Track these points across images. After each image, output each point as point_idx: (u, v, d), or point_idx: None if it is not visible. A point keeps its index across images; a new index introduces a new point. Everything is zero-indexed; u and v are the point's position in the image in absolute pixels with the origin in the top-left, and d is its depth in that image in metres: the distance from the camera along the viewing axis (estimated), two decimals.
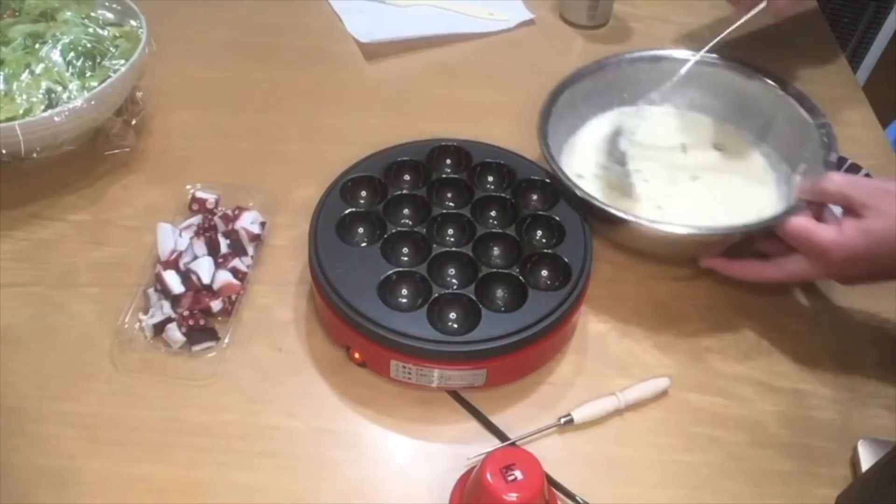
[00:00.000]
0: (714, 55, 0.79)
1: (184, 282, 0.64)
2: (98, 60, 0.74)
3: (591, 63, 0.79)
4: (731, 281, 0.67)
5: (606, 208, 0.65)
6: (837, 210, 0.63)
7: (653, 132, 0.79)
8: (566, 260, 0.63)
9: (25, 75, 0.71)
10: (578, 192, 0.66)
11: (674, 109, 0.81)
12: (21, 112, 0.68)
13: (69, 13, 0.77)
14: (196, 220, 0.70)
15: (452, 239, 0.66)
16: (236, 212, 0.71)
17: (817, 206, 0.63)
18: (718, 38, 0.76)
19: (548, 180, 0.70)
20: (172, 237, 0.67)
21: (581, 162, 0.76)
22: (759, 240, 0.66)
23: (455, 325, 0.60)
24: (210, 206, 0.72)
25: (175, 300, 0.63)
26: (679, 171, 0.76)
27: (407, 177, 0.71)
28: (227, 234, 0.69)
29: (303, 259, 0.66)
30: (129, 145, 0.78)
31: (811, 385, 0.63)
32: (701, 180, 0.75)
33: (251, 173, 0.78)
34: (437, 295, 0.60)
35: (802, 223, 0.61)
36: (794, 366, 0.64)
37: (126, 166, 0.78)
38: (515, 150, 0.73)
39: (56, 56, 0.73)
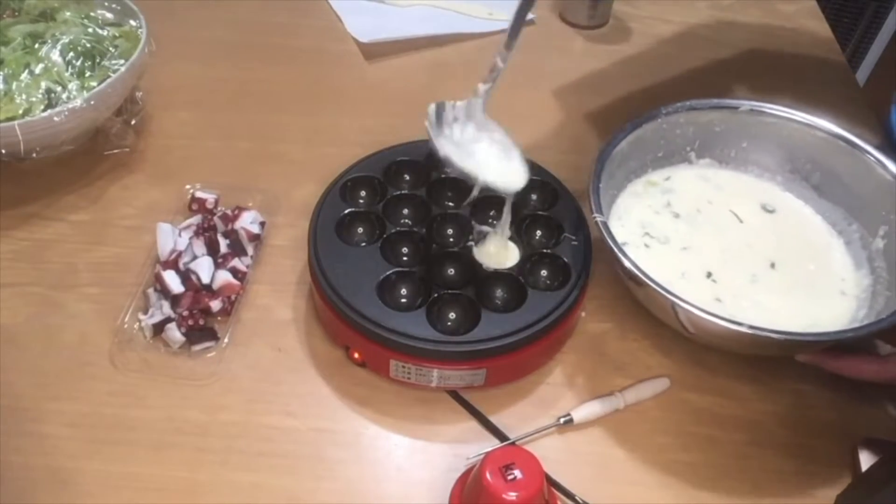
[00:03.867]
0: (750, 101, 0.71)
1: (183, 282, 0.64)
2: (98, 60, 0.74)
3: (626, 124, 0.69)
4: None
5: (701, 314, 0.54)
6: None
7: (688, 195, 0.71)
8: (566, 260, 0.63)
9: (25, 75, 0.71)
10: (666, 294, 0.56)
11: (706, 167, 0.73)
12: (21, 112, 0.68)
13: (69, 13, 0.77)
14: (196, 219, 0.70)
15: (452, 239, 0.66)
16: (236, 212, 0.71)
17: None
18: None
19: (547, 180, 0.70)
20: (172, 237, 0.67)
21: (625, 231, 0.68)
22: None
23: (454, 325, 0.60)
24: (210, 206, 0.72)
25: (175, 300, 0.63)
26: (731, 244, 0.67)
27: (406, 177, 0.71)
28: (226, 234, 0.69)
29: (302, 259, 0.66)
30: (128, 145, 0.78)
31: (811, 385, 0.63)
32: (756, 251, 0.67)
33: (251, 173, 0.78)
34: (436, 295, 0.60)
35: None
36: (794, 366, 0.64)
37: (126, 166, 0.78)
38: None
39: (55, 56, 0.73)
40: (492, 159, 0.62)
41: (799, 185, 0.71)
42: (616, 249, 0.58)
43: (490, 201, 0.68)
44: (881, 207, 0.65)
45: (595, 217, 0.60)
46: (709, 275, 0.64)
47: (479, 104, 0.63)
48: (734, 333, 0.54)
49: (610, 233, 0.59)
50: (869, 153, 0.67)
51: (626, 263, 0.57)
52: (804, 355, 0.59)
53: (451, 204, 0.69)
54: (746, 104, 0.70)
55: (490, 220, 0.67)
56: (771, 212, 0.71)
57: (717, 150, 0.73)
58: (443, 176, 0.70)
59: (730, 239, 0.68)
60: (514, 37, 0.63)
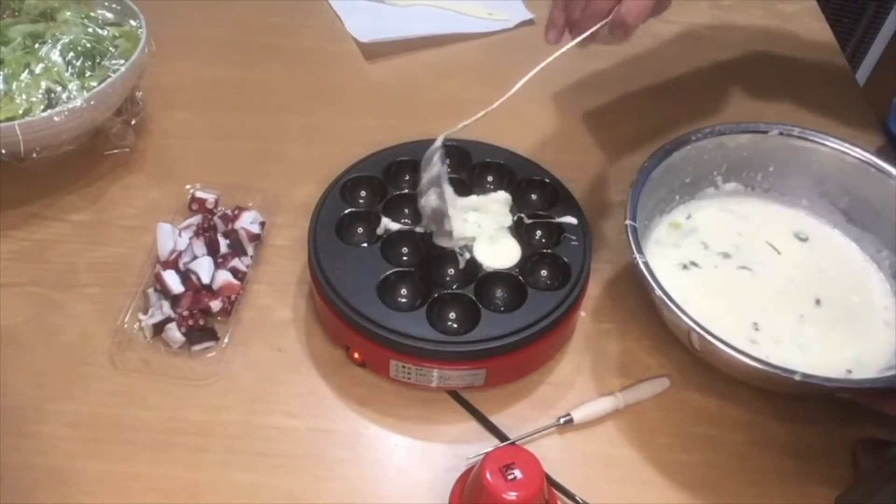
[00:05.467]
0: (779, 125, 0.69)
1: (183, 282, 0.64)
2: (98, 60, 0.74)
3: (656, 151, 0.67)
4: None
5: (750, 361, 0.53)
6: None
7: (715, 231, 0.70)
8: (566, 260, 0.63)
9: (25, 75, 0.71)
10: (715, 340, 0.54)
11: (730, 194, 0.72)
12: (21, 112, 0.68)
13: (69, 13, 0.77)
14: (196, 219, 0.70)
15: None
16: (236, 212, 0.71)
17: None
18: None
19: (547, 180, 0.70)
20: (172, 237, 0.67)
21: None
22: None
23: (454, 325, 0.60)
24: (210, 205, 0.72)
25: (175, 300, 0.63)
26: (773, 280, 0.66)
27: (407, 176, 0.71)
28: (226, 234, 0.69)
29: (302, 259, 0.66)
30: (128, 145, 0.78)
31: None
32: (799, 286, 0.66)
33: (251, 173, 0.78)
34: (436, 295, 0.60)
35: None
36: None
37: (126, 166, 0.78)
38: (515, 150, 0.73)
39: (56, 56, 0.73)
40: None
41: (827, 210, 0.70)
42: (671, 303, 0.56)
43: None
44: None
45: (636, 258, 0.58)
46: (755, 325, 0.62)
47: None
48: (783, 379, 0.53)
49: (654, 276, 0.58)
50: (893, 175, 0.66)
51: (685, 319, 0.55)
52: (854, 397, 0.57)
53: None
54: (776, 128, 0.69)
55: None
56: (804, 240, 0.69)
57: (743, 174, 0.72)
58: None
59: (771, 275, 0.66)
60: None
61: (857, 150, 0.68)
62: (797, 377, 0.52)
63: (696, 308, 0.56)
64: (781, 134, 0.69)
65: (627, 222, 0.60)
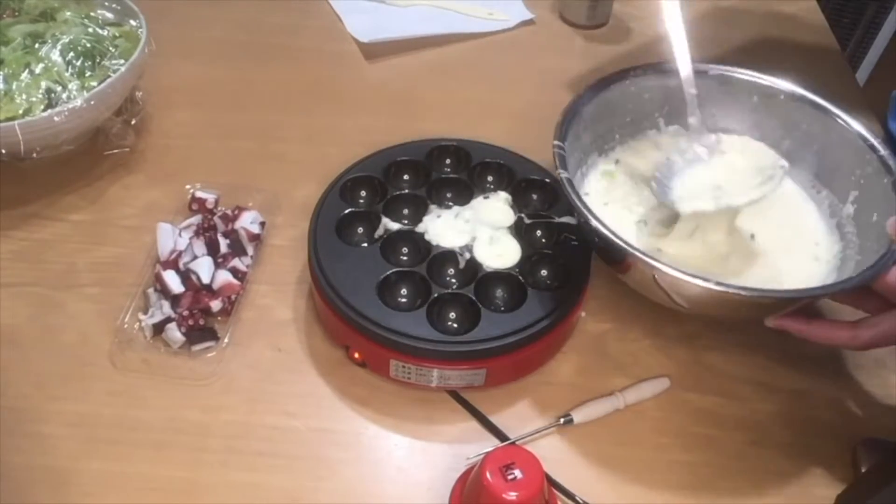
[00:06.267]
0: (719, 66, 0.70)
1: (183, 282, 0.64)
2: (98, 60, 0.74)
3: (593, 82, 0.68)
4: None
5: (671, 272, 0.53)
6: None
7: (643, 166, 0.69)
8: (565, 260, 0.63)
9: (25, 75, 0.71)
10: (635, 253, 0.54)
11: (673, 134, 0.71)
12: (21, 112, 0.68)
13: (69, 13, 0.77)
14: (196, 219, 0.70)
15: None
16: (236, 212, 0.71)
17: None
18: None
19: (547, 180, 0.70)
20: (172, 237, 0.67)
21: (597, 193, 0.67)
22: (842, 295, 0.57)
23: (454, 325, 0.60)
24: (210, 205, 0.72)
25: (175, 300, 0.63)
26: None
27: (406, 176, 0.71)
28: (226, 234, 0.69)
29: (302, 259, 0.66)
30: (128, 145, 0.78)
31: (811, 385, 0.63)
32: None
33: (251, 173, 0.78)
34: (436, 295, 0.60)
35: None
36: (794, 366, 0.64)
37: (126, 166, 0.78)
38: (515, 150, 0.73)
39: (56, 56, 0.73)
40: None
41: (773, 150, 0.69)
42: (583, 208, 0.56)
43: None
44: (851, 172, 0.64)
45: (560, 174, 0.58)
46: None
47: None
48: (703, 291, 0.52)
49: (575, 190, 0.57)
50: (839, 117, 0.65)
51: (594, 223, 0.55)
52: (774, 319, 0.56)
53: (450, 204, 0.69)
54: (715, 69, 0.68)
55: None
56: None
57: (685, 117, 0.67)
58: (443, 176, 0.70)
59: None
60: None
61: (796, 87, 0.68)
62: (712, 286, 0.51)
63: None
64: (722, 74, 0.69)
65: (555, 142, 0.59)
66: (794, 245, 0.65)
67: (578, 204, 0.56)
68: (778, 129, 0.69)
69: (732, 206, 0.60)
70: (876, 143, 0.63)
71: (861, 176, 0.63)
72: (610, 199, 0.66)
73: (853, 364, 0.65)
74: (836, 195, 0.66)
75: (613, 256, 0.58)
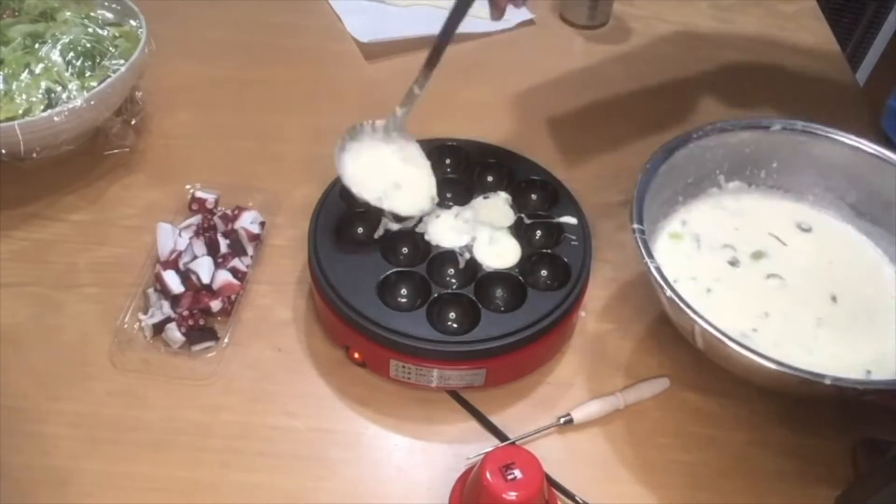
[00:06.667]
0: (781, 120, 0.67)
1: (183, 282, 0.64)
2: (98, 60, 0.74)
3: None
4: None
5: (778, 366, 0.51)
6: None
7: (711, 229, 0.67)
8: (565, 260, 0.63)
9: (25, 75, 0.71)
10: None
11: (734, 192, 0.69)
12: (21, 112, 0.68)
13: (69, 13, 0.77)
14: (196, 219, 0.70)
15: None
16: (236, 212, 0.71)
17: None
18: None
19: (547, 180, 0.70)
20: (172, 237, 0.67)
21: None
22: None
23: (454, 325, 0.60)
24: (210, 205, 0.72)
25: (175, 300, 0.63)
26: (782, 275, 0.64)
27: None
28: (226, 234, 0.69)
29: (302, 259, 0.66)
30: (128, 145, 0.78)
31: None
32: (812, 283, 0.63)
33: (251, 173, 0.78)
34: (436, 295, 0.60)
35: None
36: None
37: (126, 166, 0.78)
38: (515, 150, 0.73)
39: (56, 56, 0.73)
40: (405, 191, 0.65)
41: (834, 205, 0.68)
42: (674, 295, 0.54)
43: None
44: None
45: (647, 262, 0.56)
46: (766, 314, 0.60)
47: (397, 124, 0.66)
48: (808, 383, 0.51)
49: (662, 274, 0.55)
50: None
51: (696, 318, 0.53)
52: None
53: (451, 204, 0.69)
54: (778, 123, 0.67)
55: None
56: (807, 230, 0.67)
57: (746, 171, 0.69)
58: (443, 176, 0.70)
59: (779, 269, 0.64)
60: (433, 62, 0.66)
61: (864, 142, 0.66)
62: (827, 381, 0.50)
63: (712, 311, 0.54)
64: (784, 129, 0.67)
65: (634, 226, 0.58)
66: (878, 305, 0.62)
67: (684, 308, 0.54)
68: (842, 181, 0.67)
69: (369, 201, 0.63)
70: None
71: None
72: (678, 274, 0.64)
73: None
74: None
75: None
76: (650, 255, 0.57)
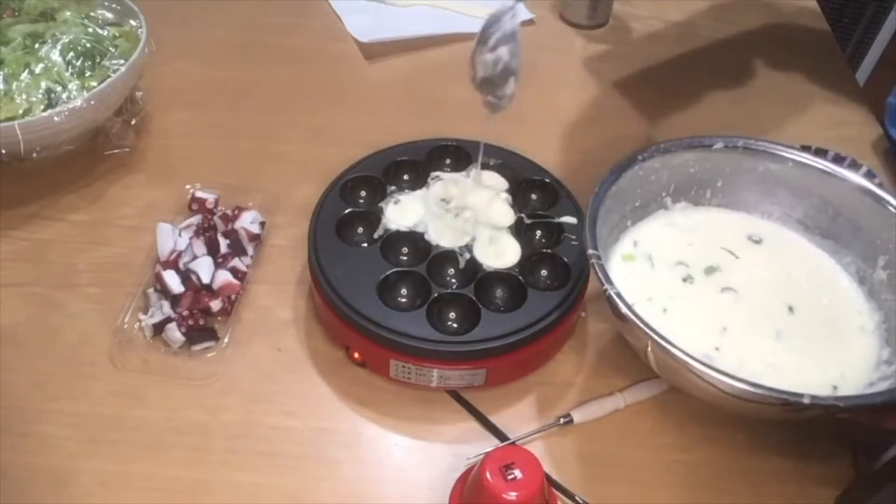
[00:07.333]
0: (722, 138, 0.65)
1: (183, 282, 0.64)
2: (98, 60, 0.74)
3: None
4: None
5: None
6: None
7: (664, 248, 0.65)
8: (566, 260, 0.63)
9: (25, 75, 0.71)
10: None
11: (680, 211, 0.68)
12: (21, 112, 0.68)
13: (69, 13, 0.77)
14: (196, 219, 0.70)
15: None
16: (236, 212, 0.71)
17: None
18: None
19: (547, 180, 0.70)
20: (172, 237, 0.67)
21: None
22: None
23: (454, 325, 0.60)
24: (210, 205, 0.72)
25: (175, 300, 0.64)
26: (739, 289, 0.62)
27: (406, 176, 0.71)
28: (226, 234, 0.69)
29: (302, 259, 0.66)
30: (128, 145, 0.78)
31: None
32: (769, 292, 0.62)
33: (251, 173, 0.78)
34: (436, 295, 0.60)
35: None
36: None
37: (126, 166, 0.78)
38: (515, 150, 0.73)
39: (56, 56, 0.73)
40: None
41: (783, 220, 0.67)
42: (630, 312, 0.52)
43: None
44: (877, 236, 0.61)
45: (608, 290, 0.54)
46: (724, 330, 0.59)
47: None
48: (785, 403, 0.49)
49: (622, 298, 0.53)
50: (855, 182, 0.62)
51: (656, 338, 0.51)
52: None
53: (450, 204, 0.69)
54: (720, 141, 0.65)
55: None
56: (758, 242, 0.66)
57: (692, 192, 0.67)
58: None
59: (732, 282, 0.62)
60: None
61: (806, 156, 0.64)
62: (806, 400, 0.48)
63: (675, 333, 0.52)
64: (726, 147, 0.65)
65: (590, 251, 0.56)
66: (837, 315, 0.61)
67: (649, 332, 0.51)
68: (789, 196, 0.66)
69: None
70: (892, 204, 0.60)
71: (889, 240, 0.60)
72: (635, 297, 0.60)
73: None
74: (862, 261, 0.62)
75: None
76: (609, 281, 0.54)
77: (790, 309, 0.61)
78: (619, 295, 0.53)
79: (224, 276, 0.65)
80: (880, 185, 0.62)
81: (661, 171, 0.65)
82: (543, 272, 0.64)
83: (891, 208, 0.61)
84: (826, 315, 0.61)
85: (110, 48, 0.76)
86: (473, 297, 0.60)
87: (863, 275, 0.63)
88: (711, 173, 0.67)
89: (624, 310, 0.52)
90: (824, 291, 0.63)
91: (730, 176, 0.67)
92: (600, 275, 0.55)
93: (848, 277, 0.64)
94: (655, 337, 0.51)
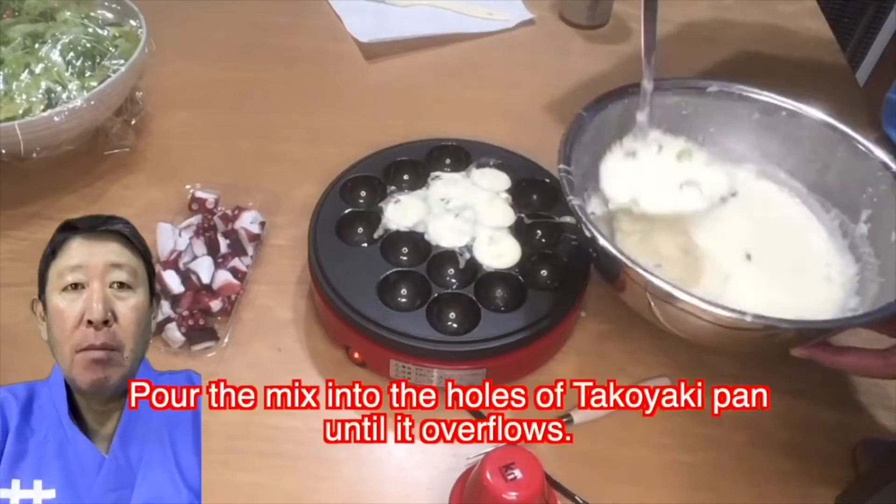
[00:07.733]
0: (718, 81, 0.66)
1: (183, 282, 0.64)
2: (98, 60, 0.74)
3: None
4: None
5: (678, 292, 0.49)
6: None
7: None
8: (565, 260, 0.63)
9: (25, 75, 0.71)
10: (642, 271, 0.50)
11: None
12: (21, 112, 0.68)
13: (69, 13, 0.77)
14: (196, 219, 0.70)
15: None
16: (236, 212, 0.71)
17: None
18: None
19: (547, 180, 0.70)
20: (172, 237, 0.67)
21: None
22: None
23: (454, 325, 0.60)
24: (210, 205, 0.72)
25: (175, 300, 0.63)
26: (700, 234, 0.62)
27: (406, 176, 0.71)
28: (226, 234, 0.69)
29: (302, 259, 0.66)
30: (128, 145, 0.78)
31: (811, 385, 0.63)
32: (728, 241, 0.62)
33: (251, 173, 0.78)
34: (436, 295, 0.60)
35: None
36: (794, 366, 0.64)
37: (126, 166, 0.78)
38: (515, 150, 0.73)
39: (55, 56, 0.73)
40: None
41: (772, 170, 0.66)
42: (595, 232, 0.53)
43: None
44: (862, 190, 0.61)
45: (571, 200, 0.55)
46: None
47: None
48: (731, 322, 0.48)
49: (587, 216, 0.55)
50: (848, 134, 0.62)
51: (609, 248, 0.52)
52: (801, 350, 0.53)
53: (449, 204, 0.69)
54: (715, 84, 0.65)
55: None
56: (733, 195, 0.64)
57: (683, 135, 0.66)
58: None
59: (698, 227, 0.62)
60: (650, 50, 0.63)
61: (801, 105, 0.64)
62: (748, 318, 0.48)
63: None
64: (721, 92, 0.65)
65: (560, 166, 0.56)
66: (803, 266, 0.61)
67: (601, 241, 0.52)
68: (781, 147, 0.66)
69: (647, 211, 0.59)
70: (888, 159, 0.60)
71: (874, 194, 0.60)
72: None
73: None
74: (846, 215, 0.62)
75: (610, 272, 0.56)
76: (572, 193, 0.55)
77: (747, 256, 0.61)
78: (580, 207, 0.54)
79: (224, 276, 0.65)
80: (877, 141, 0.62)
81: (652, 111, 0.64)
82: (543, 272, 0.64)
83: (877, 161, 0.60)
84: (789, 265, 0.61)
85: (110, 48, 0.76)
86: (473, 297, 0.60)
87: (845, 229, 0.62)
88: (705, 118, 0.66)
89: (589, 227, 0.53)
90: (794, 243, 0.63)
91: (722, 123, 0.66)
92: (566, 187, 0.56)
93: (825, 231, 0.63)
94: (601, 242, 0.51)
